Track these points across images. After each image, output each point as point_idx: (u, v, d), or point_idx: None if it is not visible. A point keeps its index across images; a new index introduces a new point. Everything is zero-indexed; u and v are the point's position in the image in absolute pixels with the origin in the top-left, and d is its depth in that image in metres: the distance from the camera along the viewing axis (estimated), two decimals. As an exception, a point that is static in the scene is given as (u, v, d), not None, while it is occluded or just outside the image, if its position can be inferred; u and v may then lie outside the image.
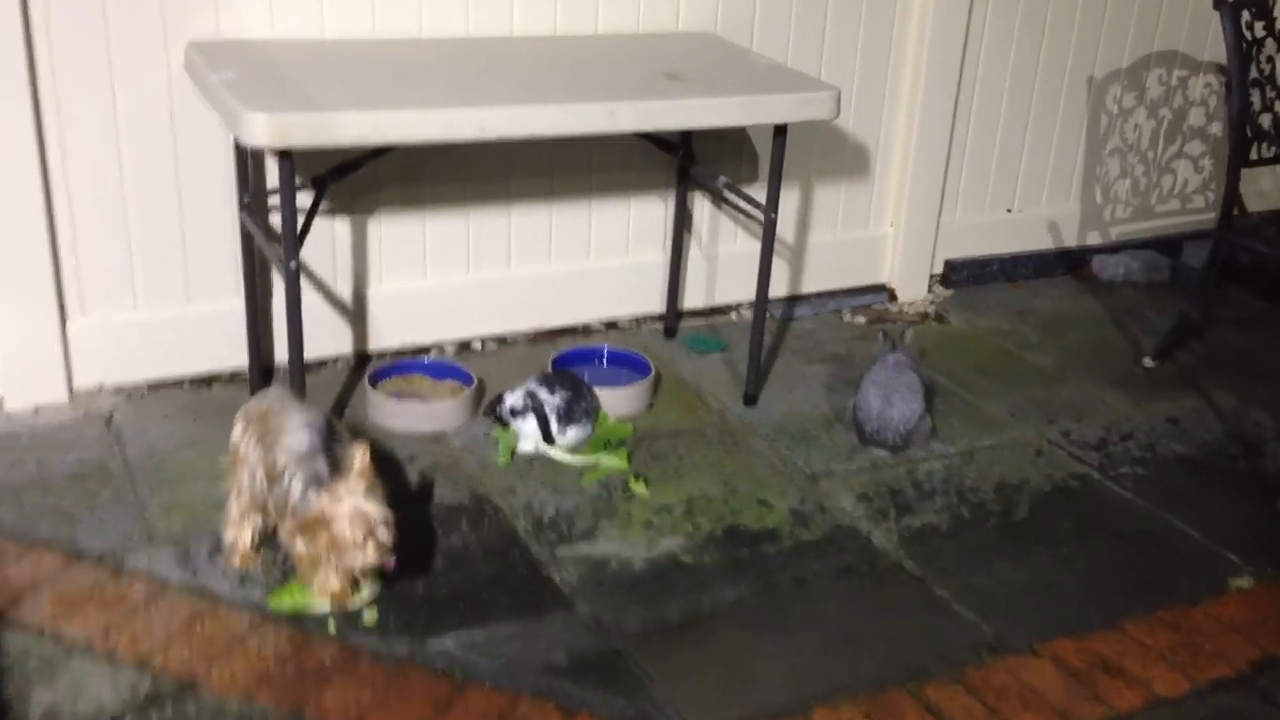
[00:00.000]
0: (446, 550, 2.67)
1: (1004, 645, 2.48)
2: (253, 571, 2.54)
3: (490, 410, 3.09)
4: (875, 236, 4.04)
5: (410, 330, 3.46)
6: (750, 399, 3.36)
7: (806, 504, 2.93)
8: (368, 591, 2.48)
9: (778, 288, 3.81)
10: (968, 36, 3.86)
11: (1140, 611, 2.60)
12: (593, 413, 3.13)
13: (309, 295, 3.28)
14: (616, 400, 3.23)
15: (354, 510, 2.31)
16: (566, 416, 3.06)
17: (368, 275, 3.35)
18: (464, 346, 3.54)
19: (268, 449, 2.45)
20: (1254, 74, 3.41)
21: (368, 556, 2.34)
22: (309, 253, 3.21)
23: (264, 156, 3.02)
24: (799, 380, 3.53)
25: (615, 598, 2.55)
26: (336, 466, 2.41)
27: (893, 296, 4.07)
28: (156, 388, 3.20)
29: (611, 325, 3.73)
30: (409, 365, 3.33)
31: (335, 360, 3.39)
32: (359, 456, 2.35)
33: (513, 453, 3.03)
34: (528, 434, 3.04)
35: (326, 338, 3.35)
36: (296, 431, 2.44)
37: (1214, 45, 4.35)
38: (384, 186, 3.25)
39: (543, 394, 3.05)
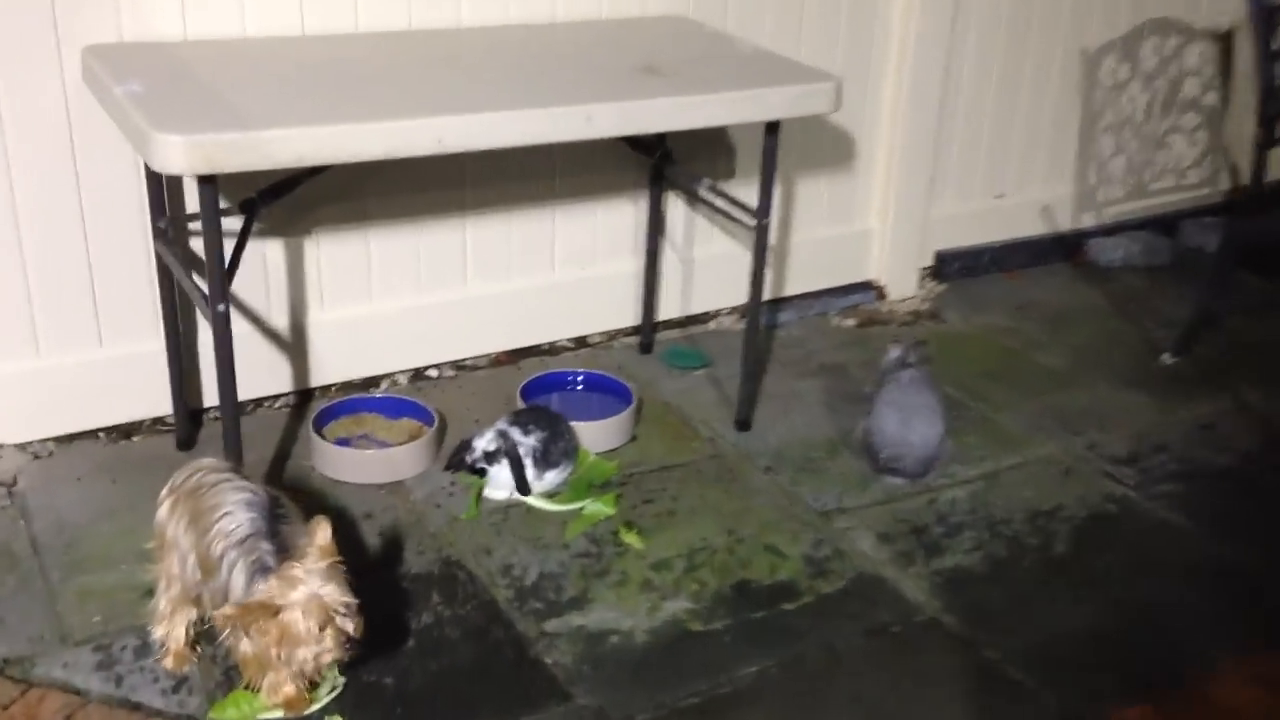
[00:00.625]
0: (417, 631, 2.29)
1: (1073, 718, 2.16)
2: (189, 674, 2.15)
3: (455, 460, 2.71)
4: (861, 231, 3.70)
5: (358, 361, 3.06)
6: (743, 424, 3.02)
7: (822, 549, 2.59)
8: (327, 690, 2.11)
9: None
10: (956, 11, 3.52)
11: (1219, 665, 2.29)
12: (572, 452, 2.76)
13: (240, 327, 2.87)
14: (596, 435, 2.87)
15: (309, 596, 1.94)
16: (544, 459, 2.69)
17: (307, 302, 2.95)
18: (419, 375, 3.16)
19: (201, 533, 2.06)
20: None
21: (325, 651, 1.97)
22: (238, 279, 2.80)
23: (182, 178, 2.60)
24: (793, 399, 3.18)
25: (618, 681, 2.20)
26: (284, 550, 2.03)
27: (882, 294, 3.74)
28: (68, 442, 2.78)
29: (581, 342, 3.36)
30: (358, 403, 2.94)
31: (274, 400, 2.99)
32: (320, 532, 1.98)
33: (479, 498, 2.67)
34: (501, 482, 2.67)
35: (262, 375, 2.95)
36: (234, 512, 2.06)
37: (1209, 10, 4.07)
38: (322, 204, 2.85)
39: (515, 434, 2.68)
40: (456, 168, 2.98)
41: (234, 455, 2.32)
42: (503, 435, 2.67)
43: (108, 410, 2.80)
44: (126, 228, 2.66)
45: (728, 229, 3.42)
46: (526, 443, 2.68)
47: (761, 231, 2.82)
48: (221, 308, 2.25)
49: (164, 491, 2.16)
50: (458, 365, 3.21)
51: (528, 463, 2.67)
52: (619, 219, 3.28)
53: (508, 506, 2.68)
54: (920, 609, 2.41)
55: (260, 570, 2.00)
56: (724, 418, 3.06)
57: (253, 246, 2.80)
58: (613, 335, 3.41)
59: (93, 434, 2.81)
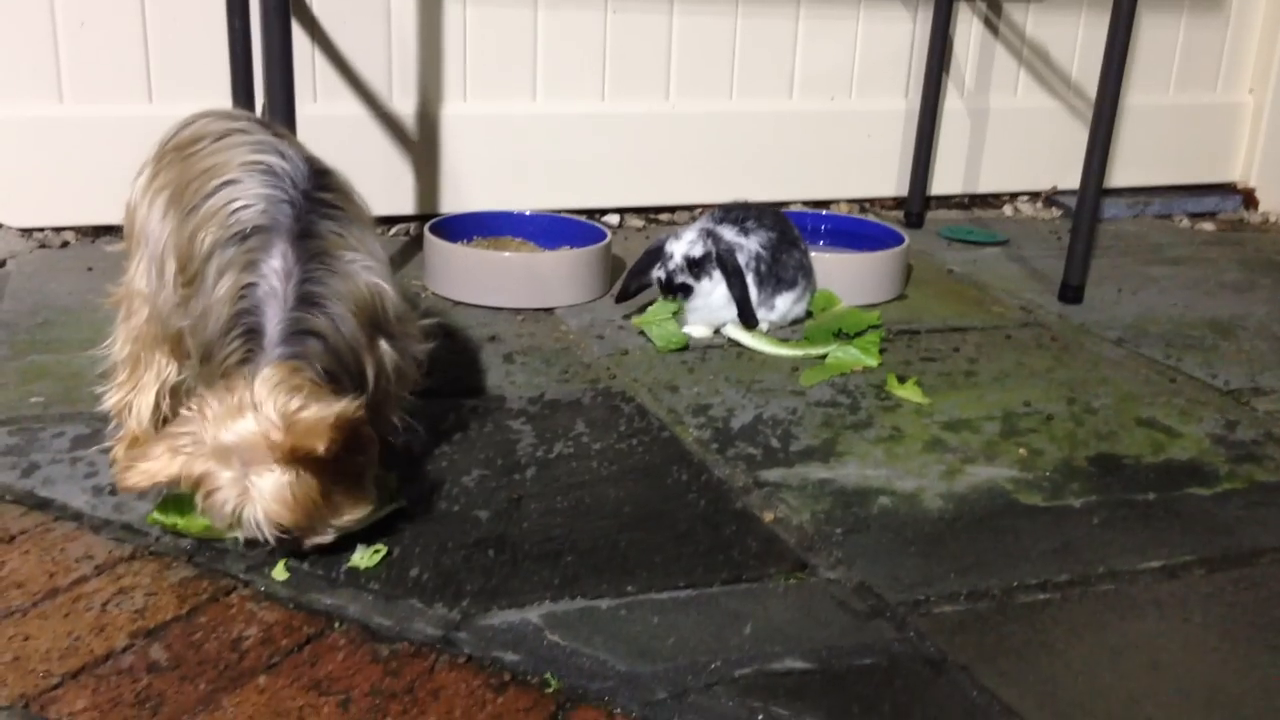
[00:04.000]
0: (539, 460, 1.33)
1: None
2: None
3: (635, 282, 1.76)
4: (1224, 106, 2.64)
5: (506, 184, 2.17)
6: (1072, 292, 1.98)
7: (1241, 430, 1.53)
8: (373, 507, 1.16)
9: (1069, 173, 2.38)
10: None
11: None
12: (809, 271, 1.79)
13: (344, 106, 2.03)
14: (852, 274, 1.89)
15: (233, 479, 1.04)
16: (771, 275, 1.72)
17: (443, 85, 2.09)
18: (591, 219, 2.24)
19: (185, 212, 1.17)
20: None
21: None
22: (344, 35, 1.98)
23: None
24: (1143, 280, 2.15)
25: (896, 553, 1.18)
26: (316, 273, 1.13)
27: (1250, 202, 2.66)
28: (91, 235, 1.97)
29: (821, 208, 2.39)
30: (502, 220, 2.03)
31: (386, 226, 2.12)
32: (330, 413, 1.03)
33: (686, 344, 1.70)
34: (709, 308, 1.71)
35: (373, 186, 2.07)
36: (243, 181, 1.17)
37: None
38: (473, -78, 2.02)
39: (728, 234, 1.72)
40: (667, -91, 2.11)
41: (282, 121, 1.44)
42: (710, 236, 1.71)
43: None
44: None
45: (1040, 72, 2.43)
46: (747, 246, 1.72)
47: (1127, -31, 1.82)
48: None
49: (149, 154, 1.28)
50: (647, 213, 2.29)
51: (748, 276, 1.70)
52: (888, 33, 2.34)
53: (707, 348, 1.71)
54: None
55: (249, 336, 1.08)
56: (1037, 289, 2.04)
57: (372, -22, 1.98)
58: (865, 204, 2.43)
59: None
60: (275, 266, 1.11)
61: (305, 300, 1.10)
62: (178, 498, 1.14)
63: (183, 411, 1.07)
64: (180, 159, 1.22)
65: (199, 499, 1.05)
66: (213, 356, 1.12)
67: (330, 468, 1.03)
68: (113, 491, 1.21)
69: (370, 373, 1.15)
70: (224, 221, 1.14)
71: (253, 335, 1.09)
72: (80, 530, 1.15)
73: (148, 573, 1.08)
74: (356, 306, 1.14)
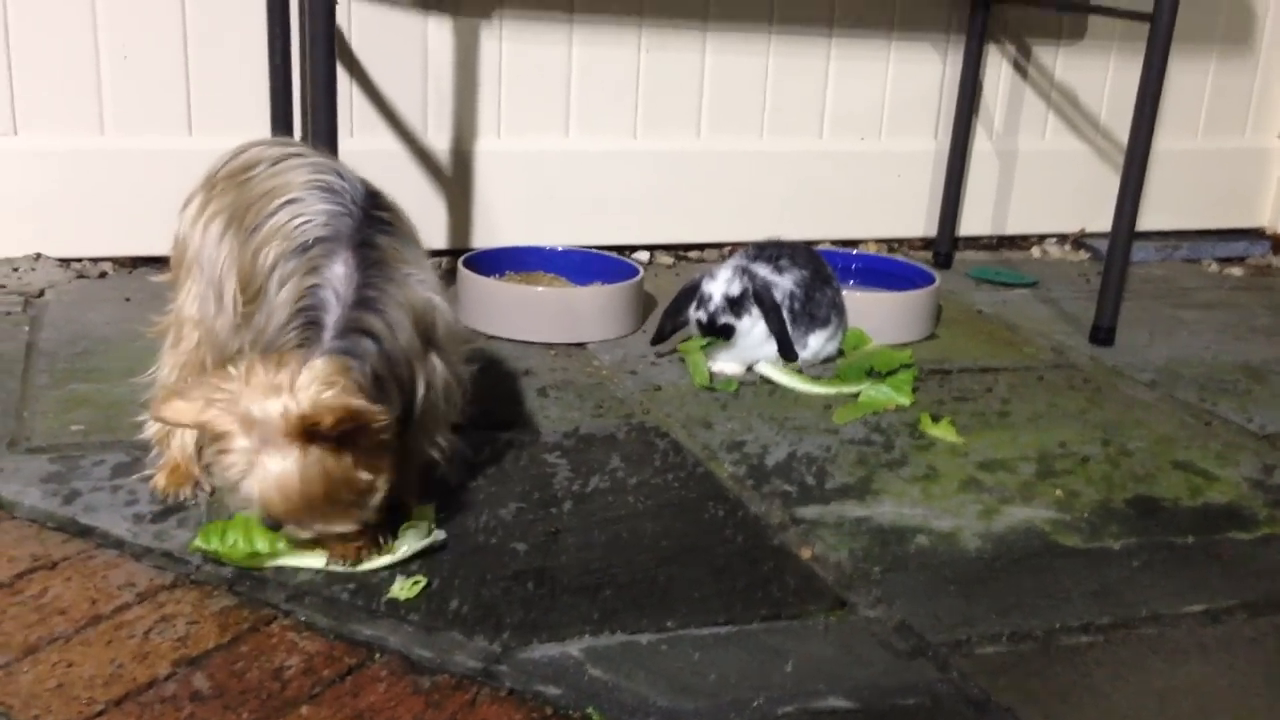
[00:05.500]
0: (575, 494, 1.33)
1: None
2: (189, 500, 1.24)
3: (671, 322, 1.76)
4: (1253, 150, 2.65)
5: (539, 221, 2.18)
6: (1104, 333, 1.98)
7: (1277, 475, 1.52)
8: (404, 547, 1.16)
9: (1097, 216, 2.39)
10: None
11: None
12: (842, 309, 1.79)
13: (380, 141, 2.05)
14: (883, 313, 1.89)
15: (258, 443, 1.05)
16: (805, 313, 1.73)
17: (477, 122, 2.11)
18: (621, 256, 2.25)
19: (247, 234, 1.19)
20: None
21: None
22: (382, 72, 2.00)
23: None
24: (1173, 324, 2.14)
25: (935, 592, 1.18)
26: (373, 280, 1.15)
27: (1278, 247, 2.65)
28: (129, 267, 1.98)
29: (849, 247, 2.40)
30: (533, 256, 2.04)
31: (419, 257, 2.13)
32: (352, 400, 1.05)
33: (703, 366, 1.71)
34: (747, 345, 1.71)
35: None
36: (305, 199, 1.19)
37: None
38: (510, -39, 2.04)
39: (763, 271, 1.73)
40: (702, -49, 2.13)
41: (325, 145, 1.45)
42: (746, 274, 1.71)
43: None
44: (238, -45, 1.90)
45: (1070, 117, 2.44)
46: (782, 284, 1.72)
47: (1164, 29, 1.83)
48: (325, -55, 1.41)
49: (197, 184, 1.30)
50: (677, 251, 2.29)
51: (783, 313, 1.71)
52: (918, 75, 2.35)
53: (740, 385, 1.71)
54: None
55: (309, 326, 1.10)
56: (1067, 331, 2.04)
57: (410, 24, 2.00)
58: (894, 244, 2.44)
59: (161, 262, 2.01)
60: (338, 271, 1.14)
61: (363, 303, 1.12)
62: (220, 526, 1.14)
63: (230, 369, 1.07)
64: (235, 185, 1.24)
65: (213, 451, 1.06)
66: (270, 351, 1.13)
67: (336, 469, 1.04)
68: (156, 519, 1.21)
69: (421, 383, 1.16)
70: (288, 235, 1.16)
71: (312, 326, 1.11)
72: (122, 558, 1.15)
73: (189, 601, 1.08)
74: (413, 315, 1.15)
